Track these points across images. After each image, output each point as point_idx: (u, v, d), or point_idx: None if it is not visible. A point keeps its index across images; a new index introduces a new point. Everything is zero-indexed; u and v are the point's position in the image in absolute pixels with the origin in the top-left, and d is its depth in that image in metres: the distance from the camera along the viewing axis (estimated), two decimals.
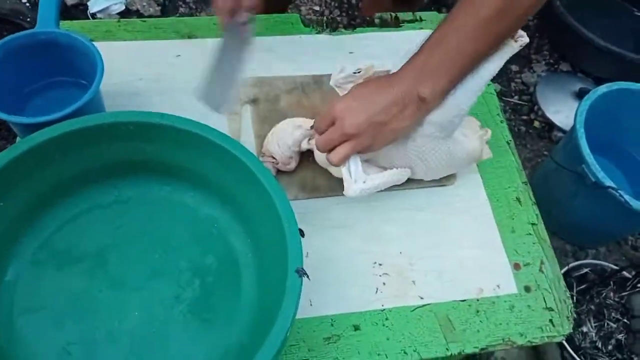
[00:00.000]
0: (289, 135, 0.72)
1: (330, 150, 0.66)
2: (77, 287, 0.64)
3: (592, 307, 1.27)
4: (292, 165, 0.74)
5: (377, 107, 0.63)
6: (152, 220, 0.69)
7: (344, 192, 0.67)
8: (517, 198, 0.81)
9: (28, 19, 1.48)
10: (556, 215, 1.37)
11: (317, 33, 0.92)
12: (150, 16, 1.68)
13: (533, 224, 0.79)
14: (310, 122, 0.72)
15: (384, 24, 0.95)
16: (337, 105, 0.64)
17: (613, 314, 1.25)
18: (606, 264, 1.34)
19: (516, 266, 0.75)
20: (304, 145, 0.73)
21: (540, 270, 0.76)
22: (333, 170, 0.72)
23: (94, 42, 0.71)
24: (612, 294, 1.27)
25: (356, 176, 0.66)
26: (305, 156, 0.76)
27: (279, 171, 0.75)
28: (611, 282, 1.28)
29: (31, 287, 0.63)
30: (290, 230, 0.60)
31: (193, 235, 0.69)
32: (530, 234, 0.78)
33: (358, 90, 0.66)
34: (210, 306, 0.65)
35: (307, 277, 0.58)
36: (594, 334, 1.25)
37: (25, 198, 0.63)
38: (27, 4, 1.57)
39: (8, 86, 0.71)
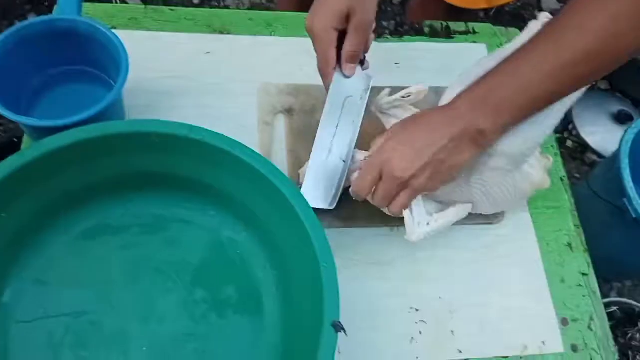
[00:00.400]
0: None
1: (390, 203, 0.59)
2: (80, 313, 0.57)
3: (617, 347, 1.20)
4: (334, 204, 0.66)
5: (431, 146, 0.55)
6: (166, 242, 0.62)
7: (406, 237, 0.60)
8: (568, 243, 0.73)
9: (46, 3, 1.39)
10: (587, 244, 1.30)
11: None
12: (179, 1, 1.58)
13: (584, 274, 0.72)
14: (361, 154, 0.63)
15: (434, 34, 0.87)
16: (383, 152, 0.56)
17: (638, 357, 1.18)
18: (634, 302, 1.27)
19: (564, 321, 0.68)
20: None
21: (589, 327, 0.69)
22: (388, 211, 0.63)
23: (117, 30, 0.64)
24: (638, 335, 1.20)
25: (419, 218, 0.59)
26: None
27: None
28: (638, 323, 1.21)
29: (30, 311, 0.56)
30: (327, 274, 0.53)
31: (212, 261, 0.62)
32: (580, 285, 0.71)
33: (404, 129, 0.57)
34: (227, 346, 0.58)
35: (344, 332, 0.51)
36: None
37: (29, 210, 0.56)
38: None
39: (19, 76, 0.64)
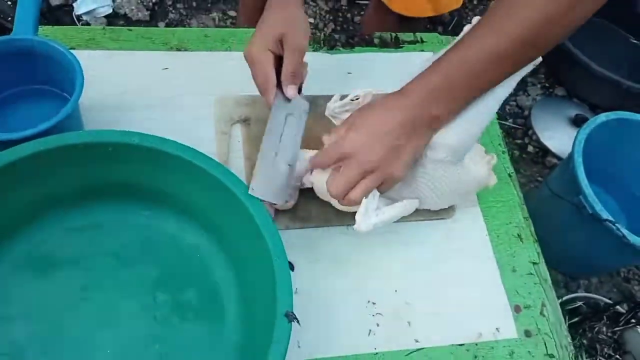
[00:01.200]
0: None
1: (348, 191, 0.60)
2: (42, 319, 0.58)
3: (585, 341, 1.23)
4: (292, 203, 0.69)
5: (391, 132, 0.58)
6: (128, 248, 0.64)
7: (354, 227, 0.62)
8: (518, 234, 0.77)
9: (9, 19, 1.42)
10: (549, 244, 1.32)
11: (314, 50, 0.87)
12: (138, 21, 1.62)
13: (534, 263, 0.75)
14: (309, 152, 0.66)
15: (384, 44, 0.91)
16: (345, 141, 0.59)
17: (606, 350, 1.21)
18: (600, 297, 1.30)
19: (517, 309, 0.71)
20: (306, 182, 0.67)
21: (542, 313, 0.71)
22: (337, 204, 0.66)
23: (76, 50, 0.66)
24: (605, 329, 1.23)
25: (370, 211, 0.61)
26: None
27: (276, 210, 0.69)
28: (604, 317, 1.25)
29: None
30: (279, 267, 0.55)
31: (173, 265, 0.64)
32: (531, 273, 0.74)
33: (363, 119, 0.60)
34: (190, 346, 0.59)
35: (298, 322, 0.53)
36: None
37: None
38: (9, 3, 1.50)
39: None
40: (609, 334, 1.22)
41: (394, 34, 0.92)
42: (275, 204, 0.64)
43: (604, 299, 1.30)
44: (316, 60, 0.85)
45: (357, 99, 0.68)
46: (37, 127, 0.59)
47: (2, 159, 0.55)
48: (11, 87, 0.69)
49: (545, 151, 1.64)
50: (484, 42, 0.57)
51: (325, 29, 1.75)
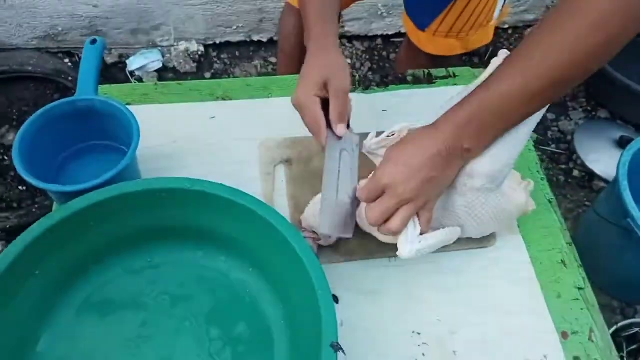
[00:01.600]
0: None
1: (386, 221, 0.63)
2: (108, 356, 0.62)
3: None
4: (334, 239, 0.72)
5: (425, 165, 0.61)
6: (183, 286, 0.68)
7: (397, 254, 0.64)
8: (562, 260, 0.77)
9: (70, 78, 1.54)
10: (601, 270, 1.31)
11: (350, 92, 0.91)
12: (186, 73, 1.72)
13: (580, 289, 0.75)
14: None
15: (417, 81, 0.94)
16: (384, 174, 0.62)
17: None
18: None
19: (564, 335, 0.71)
20: None
21: (590, 339, 0.71)
22: (379, 235, 0.69)
23: (131, 105, 0.73)
24: None
25: (412, 236, 0.64)
26: None
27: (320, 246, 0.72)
28: None
29: (63, 358, 0.62)
30: (324, 300, 0.58)
31: (225, 301, 0.68)
32: (577, 299, 0.74)
33: (398, 152, 0.64)
34: None
35: (343, 352, 0.55)
36: None
37: (59, 266, 0.63)
38: (70, 64, 1.63)
39: (48, 151, 0.73)
40: None
41: (426, 71, 0.96)
42: (330, 237, 0.68)
43: None
44: (353, 100, 0.90)
45: (392, 134, 0.72)
46: (100, 178, 0.65)
47: (71, 207, 0.61)
48: (76, 143, 0.76)
49: (591, 175, 1.61)
50: (513, 82, 0.59)
51: (362, 67, 1.81)
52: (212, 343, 0.65)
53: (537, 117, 0.66)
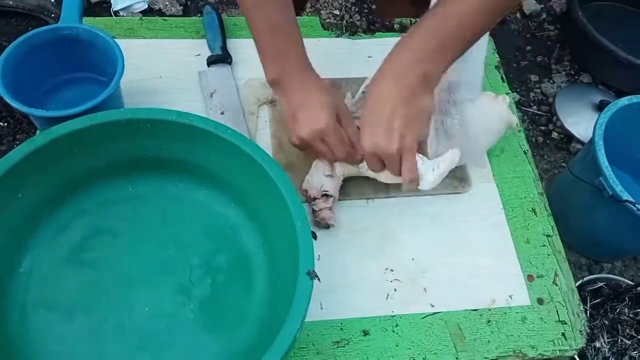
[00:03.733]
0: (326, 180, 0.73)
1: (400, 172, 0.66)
2: (89, 280, 0.64)
3: (606, 322, 1.24)
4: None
5: (398, 111, 0.62)
6: (165, 217, 0.69)
7: (419, 187, 0.67)
8: (532, 209, 0.80)
9: (52, 15, 1.51)
10: (572, 227, 1.35)
11: (336, 37, 0.92)
12: (172, 16, 1.69)
13: (548, 236, 0.78)
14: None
15: (403, 29, 0.95)
16: (367, 142, 0.64)
17: (627, 330, 1.23)
18: (621, 279, 1.31)
19: (530, 278, 0.74)
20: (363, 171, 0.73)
21: (554, 282, 0.75)
22: (384, 178, 0.71)
23: (116, 39, 0.72)
24: (626, 310, 1.25)
25: (427, 168, 0.67)
26: (317, 155, 0.76)
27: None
28: (626, 298, 1.26)
29: (44, 280, 0.63)
30: (302, 231, 0.60)
31: (206, 233, 0.69)
32: (545, 245, 0.77)
33: (371, 112, 0.65)
34: (221, 305, 0.65)
35: (318, 279, 0.58)
36: (606, 350, 1.23)
37: (42, 190, 0.64)
38: (52, 1, 1.59)
39: (31, 80, 0.72)
40: (631, 315, 1.24)
41: (413, 20, 0.96)
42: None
43: (626, 280, 1.31)
44: (338, 46, 0.91)
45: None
46: (84, 105, 0.65)
47: (52, 132, 0.61)
48: (60, 74, 0.75)
49: (569, 137, 1.65)
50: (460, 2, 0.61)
51: (352, 19, 1.79)
52: (192, 271, 0.66)
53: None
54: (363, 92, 0.73)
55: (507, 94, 0.86)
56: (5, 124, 1.36)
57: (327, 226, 0.73)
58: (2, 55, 0.68)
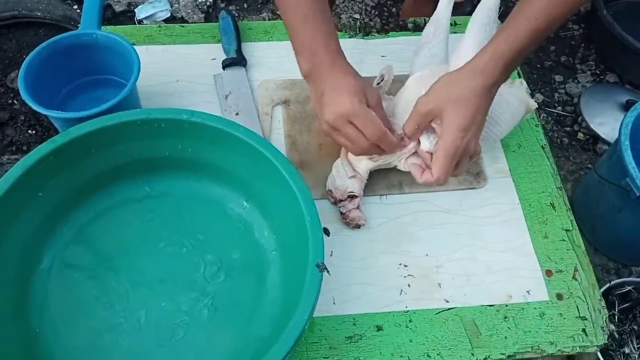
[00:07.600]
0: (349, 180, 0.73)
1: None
2: (107, 276, 0.66)
3: (635, 327, 1.20)
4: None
5: (474, 120, 0.64)
6: (181, 215, 0.71)
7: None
8: (551, 203, 0.78)
9: (79, 25, 1.55)
10: (599, 230, 1.32)
11: (349, 37, 0.92)
12: (194, 23, 1.72)
13: (567, 230, 0.76)
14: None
15: (417, 29, 0.95)
16: (453, 145, 0.64)
17: None
18: None
19: (548, 273, 0.73)
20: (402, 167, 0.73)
21: (574, 277, 0.73)
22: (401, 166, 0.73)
23: (135, 46, 0.75)
24: None
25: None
26: (331, 153, 0.77)
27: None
28: None
29: (64, 276, 0.65)
30: (312, 226, 0.60)
31: (220, 230, 0.70)
32: (564, 240, 0.76)
33: (457, 117, 0.64)
34: (235, 300, 0.66)
35: (327, 271, 0.58)
36: (637, 356, 1.19)
37: (62, 190, 0.66)
38: (78, 10, 1.64)
39: (52, 83, 0.75)
40: None
41: (427, 19, 0.96)
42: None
43: None
44: (352, 46, 0.91)
45: (382, 80, 0.74)
46: (101, 106, 0.67)
47: (71, 133, 0.63)
48: (79, 77, 0.78)
49: (595, 138, 1.61)
50: (536, 21, 0.63)
51: (371, 22, 1.80)
52: (206, 268, 0.67)
53: None
54: (380, 81, 0.74)
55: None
56: (34, 132, 1.40)
57: (358, 226, 0.73)
58: (24, 62, 0.71)
